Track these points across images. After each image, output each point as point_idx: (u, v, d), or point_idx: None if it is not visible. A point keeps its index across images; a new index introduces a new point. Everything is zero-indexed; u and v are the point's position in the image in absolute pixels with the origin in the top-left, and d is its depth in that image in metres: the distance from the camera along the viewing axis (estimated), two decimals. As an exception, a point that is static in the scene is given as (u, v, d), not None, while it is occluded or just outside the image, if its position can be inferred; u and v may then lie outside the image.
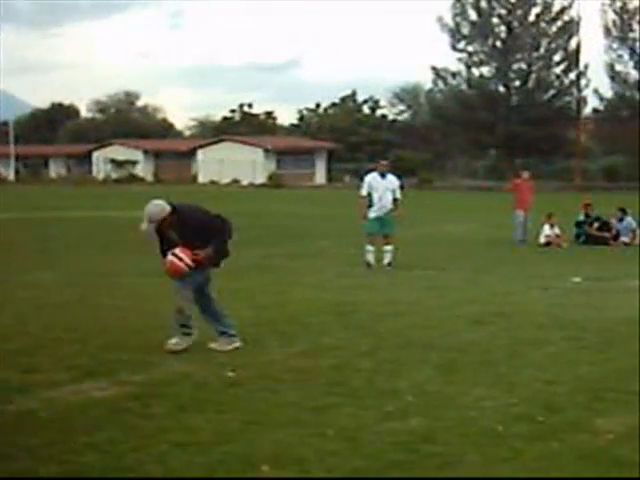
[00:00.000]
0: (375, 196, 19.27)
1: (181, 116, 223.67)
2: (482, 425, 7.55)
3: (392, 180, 19.54)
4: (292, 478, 6.40)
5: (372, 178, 19.37)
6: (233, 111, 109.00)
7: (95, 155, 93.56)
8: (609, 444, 7.11)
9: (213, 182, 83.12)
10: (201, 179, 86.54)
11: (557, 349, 10.67)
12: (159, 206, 10.44)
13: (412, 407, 8.07)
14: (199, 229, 10.53)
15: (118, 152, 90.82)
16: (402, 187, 20.35)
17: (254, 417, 7.76)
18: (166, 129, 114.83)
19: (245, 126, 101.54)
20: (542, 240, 25.75)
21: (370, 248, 19.30)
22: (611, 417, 7.83)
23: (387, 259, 19.34)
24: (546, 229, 26.01)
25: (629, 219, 26.73)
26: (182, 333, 10.48)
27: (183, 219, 10.53)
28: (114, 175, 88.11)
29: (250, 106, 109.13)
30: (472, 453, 6.84)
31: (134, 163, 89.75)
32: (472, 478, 6.42)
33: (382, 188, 19.22)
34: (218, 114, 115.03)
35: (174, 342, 10.44)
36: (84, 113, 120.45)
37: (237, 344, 10.63)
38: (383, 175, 19.43)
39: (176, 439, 7.13)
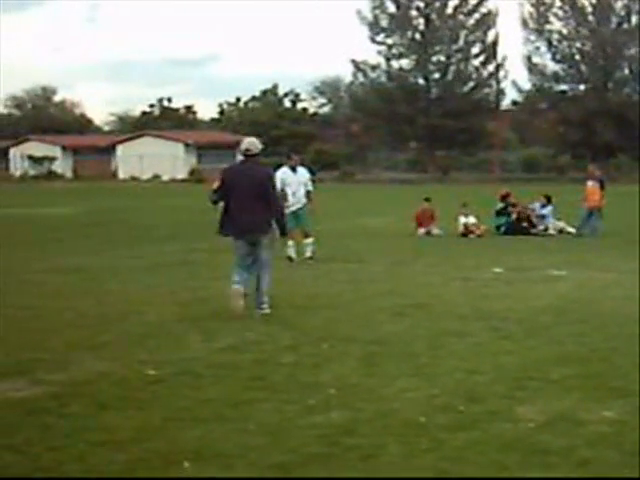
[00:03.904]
0: (289, 191, 19.01)
1: (100, 111, 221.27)
2: (404, 416, 7.55)
3: (304, 173, 19.36)
4: (213, 478, 6.34)
5: (283, 173, 18.95)
6: (152, 106, 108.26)
7: (12, 151, 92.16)
8: (530, 432, 7.16)
9: (133, 178, 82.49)
10: (121, 175, 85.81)
11: (478, 339, 10.72)
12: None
13: (334, 400, 8.05)
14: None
15: (36, 148, 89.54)
16: (314, 181, 20.32)
17: (175, 414, 7.68)
18: (84, 124, 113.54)
19: (165, 121, 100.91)
20: (460, 230, 25.88)
21: (290, 243, 19.17)
22: (532, 405, 7.89)
23: (308, 252, 19.28)
24: (461, 219, 26.14)
25: (550, 207, 27.05)
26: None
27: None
28: (32, 172, 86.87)
29: (169, 100, 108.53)
30: (394, 444, 6.84)
31: (52, 159, 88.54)
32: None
33: (295, 183, 18.98)
34: (137, 109, 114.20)
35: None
36: (0, 109, 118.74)
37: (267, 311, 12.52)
38: (294, 169, 19.20)
39: (95, 438, 7.03)
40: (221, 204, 12.79)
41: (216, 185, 12.95)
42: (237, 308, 12.24)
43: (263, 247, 12.65)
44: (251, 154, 12.75)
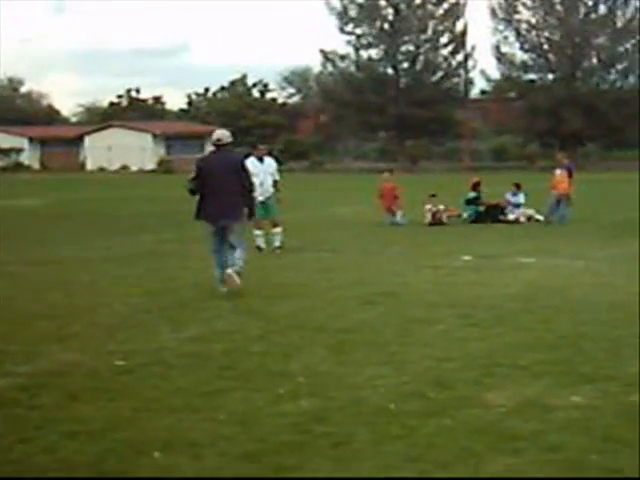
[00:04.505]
0: (256, 181, 18.85)
1: (67, 102, 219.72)
2: (374, 404, 7.57)
3: (270, 163, 19.45)
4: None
5: (250, 163, 18.75)
6: (120, 96, 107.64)
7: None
8: (500, 417, 7.20)
9: (101, 169, 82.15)
10: (89, 166, 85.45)
11: (447, 327, 10.77)
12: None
13: (304, 388, 8.06)
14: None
15: (2, 140, 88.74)
16: (280, 171, 20.39)
17: (145, 404, 7.67)
18: (52, 115, 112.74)
19: (133, 111, 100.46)
20: (428, 218, 25.84)
21: (258, 232, 19.18)
22: (501, 391, 7.93)
23: (277, 242, 19.30)
24: (427, 206, 26.05)
25: (522, 194, 27.15)
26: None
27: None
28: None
29: (138, 91, 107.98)
30: (364, 432, 6.86)
31: (19, 151, 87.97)
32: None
33: (262, 173, 18.97)
34: (105, 100, 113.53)
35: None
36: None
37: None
38: (261, 159, 19.26)
39: (65, 429, 7.01)
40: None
41: (192, 175, 13.74)
42: (236, 286, 13.05)
43: (235, 233, 13.49)
44: (222, 144, 13.75)
